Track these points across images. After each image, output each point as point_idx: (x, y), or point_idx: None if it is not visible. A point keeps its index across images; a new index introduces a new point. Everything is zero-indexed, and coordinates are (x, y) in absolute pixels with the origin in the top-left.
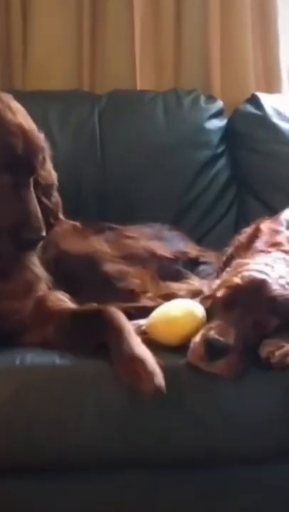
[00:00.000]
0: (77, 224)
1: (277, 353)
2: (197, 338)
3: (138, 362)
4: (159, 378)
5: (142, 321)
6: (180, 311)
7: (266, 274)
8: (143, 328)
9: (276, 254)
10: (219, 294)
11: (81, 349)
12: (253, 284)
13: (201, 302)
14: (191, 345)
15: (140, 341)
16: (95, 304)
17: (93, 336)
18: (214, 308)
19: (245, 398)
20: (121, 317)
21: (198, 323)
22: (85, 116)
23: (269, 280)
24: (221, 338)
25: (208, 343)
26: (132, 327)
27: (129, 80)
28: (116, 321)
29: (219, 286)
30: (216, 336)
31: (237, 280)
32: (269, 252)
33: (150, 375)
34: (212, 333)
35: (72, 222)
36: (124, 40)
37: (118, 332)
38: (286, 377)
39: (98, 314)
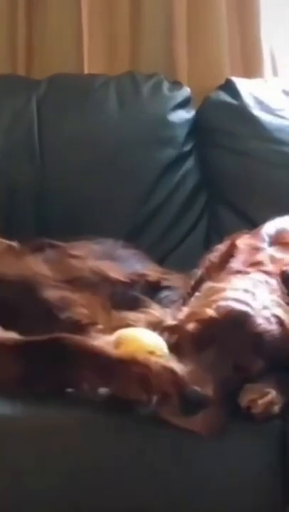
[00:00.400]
0: (13, 244)
1: (261, 402)
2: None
3: (135, 364)
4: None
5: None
6: (146, 341)
7: (247, 304)
8: None
9: (256, 276)
10: (189, 328)
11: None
12: (232, 317)
13: (163, 335)
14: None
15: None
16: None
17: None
18: (182, 344)
19: (221, 457)
20: (77, 337)
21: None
22: (20, 107)
23: (251, 312)
24: (198, 389)
25: (183, 395)
26: None
27: (75, 61)
28: (75, 341)
29: (188, 318)
30: (193, 387)
31: (211, 312)
32: (247, 272)
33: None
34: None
35: (5, 241)
36: (68, 13)
37: (86, 348)
38: (271, 430)
39: (51, 344)
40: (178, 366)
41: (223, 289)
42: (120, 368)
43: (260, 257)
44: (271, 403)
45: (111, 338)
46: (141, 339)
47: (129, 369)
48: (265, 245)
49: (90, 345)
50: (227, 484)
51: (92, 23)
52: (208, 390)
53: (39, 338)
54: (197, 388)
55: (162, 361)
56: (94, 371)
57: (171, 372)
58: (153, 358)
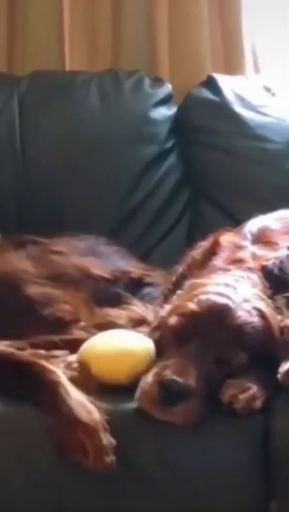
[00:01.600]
0: None
1: (242, 397)
2: (149, 379)
3: (83, 430)
4: (109, 454)
5: (71, 357)
6: (132, 341)
7: (228, 297)
8: (75, 365)
9: (238, 272)
10: (171, 322)
11: None
12: (213, 310)
13: (149, 334)
14: (142, 386)
15: (80, 395)
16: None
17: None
18: (165, 340)
19: (201, 454)
20: (52, 369)
21: (152, 359)
22: (2, 103)
23: (232, 305)
24: (180, 380)
25: (164, 385)
26: (64, 371)
27: (56, 58)
28: (47, 374)
29: (170, 313)
30: (174, 377)
31: (192, 306)
32: (228, 269)
33: (99, 450)
34: (168, 373)
35: None
36: (49, 9)
37: (52, 389)
38: (253, 426)
39: (24, 366)
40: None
41: (205, 284)
42: (69, 425)
43: (242, 254)
44: (253, 398)
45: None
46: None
47: (76, 431)
48: (247, 243)
49: (52, 384)
50: (209, 480)
51: (74, 20)
52: (190, 381)
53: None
54: (178, 378)
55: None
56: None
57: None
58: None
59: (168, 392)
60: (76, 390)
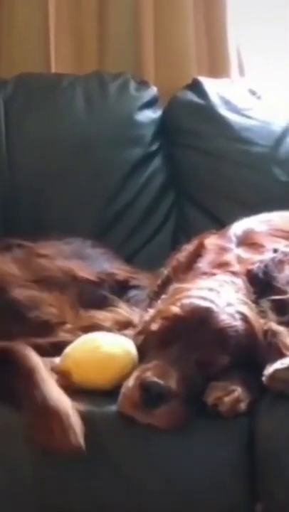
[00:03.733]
0: None
1: (227, 399)
2: (130, 382)
3: (51, 414)
4: (77, 435)
5: (57, 359)
6: (114, 345)
7: (211, 301)
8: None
9: (222, 277)
10: (154, 326)
11: None
12: (196, 313)
13: (133, 339)
14: (123, 390)
15: (56, 386)
16: None
17: None
18: (148, 344)
19: (187, 456)
20: (32, 356)
21: (134, 363)
22: None
23: (215, 309)
24: (161, 381)
25: (144, 387)
26: (46, 367)
27: (42, 61)
28: (26, 361)
29: (153, 318)
30: (155, 379)
31: (175, 309)
32: (214, 274)
33: (65, 430)
34: (149, 375)
35: None
36: (35, 12)
37: (28, 375)
38: (238, 428)
39: (3, 353)
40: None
41: (188, 289)
42: (41, 413)
43: (227, 257)
44: (237, 400)
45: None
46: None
47: (48, 418)
48: (232, 246)
49: (32, 371)
50: (195, 482)
51: (59, 23)
52: (170, 383)
53: None
54: (159, 380)
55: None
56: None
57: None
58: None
59: (149, 395)
60: (52, 379)
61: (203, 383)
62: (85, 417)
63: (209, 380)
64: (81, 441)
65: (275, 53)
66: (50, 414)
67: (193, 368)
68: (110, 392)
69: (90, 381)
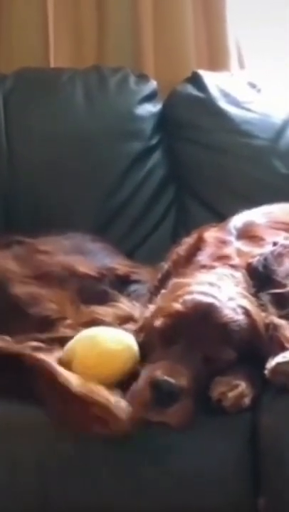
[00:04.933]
0: None
1: (231, 395)
2: (140, 382)
3: (95, 405)
4: (124, 413)
5: (59, 354)
6: (115, 340)
7: (213, 296)
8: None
9: (221, 271)
10: (156, 324)
11: None
12: (198, 309)
13: (134, 335)
14: (133, 391)
15: (80, 380)
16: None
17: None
18: (151, 341)
19: (189, 451)
20: (44, 359)
21: (136, 358)
22: None
23: (217, 304)
24: (172, 380)
25: (156, 386)
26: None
27: (41, 55)
28: (41, 363)
29: (154, 315)
30: (166, 378)
31: (177, 306)
32: (213, 267)
33: (113, 414)
34: (160, 374)
35: None
36: (34, 7)
37: (49, 374)
38: (241, 423)
39: (18, 359)
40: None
41: (189, 284)
42: (80, 406)
43: (227, 250)
44: (241, 395)
45: (61, 353)
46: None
47: (88, 409)
48: (232, 239)
49: (54, 375)
50: (197, 477)
51: (58, 17)
52: (181, 381)
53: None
54: (170, 379)
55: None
56: (55, 401)
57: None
58: (113, 397)
59: (160, 394)
60: (73, 376)
61: (208, 379)
62: None
63: (213, 376)
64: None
65: (274, 46)
66: (93, 406)
67: (200, 364)
68: (111, 387)
69: (91, 377)
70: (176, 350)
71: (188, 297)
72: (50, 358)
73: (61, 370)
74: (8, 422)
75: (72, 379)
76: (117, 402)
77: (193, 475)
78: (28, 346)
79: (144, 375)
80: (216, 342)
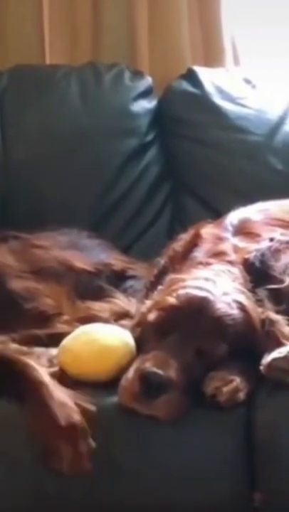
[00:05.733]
0: None
1: (225, 390)
2: (130, 374)
3: (60, 435)
4: (85, 460)
5: (54, 351)
6: (111, 337)
7: (207, 290)
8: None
9: (218, 267)
10: (151, 317)
11: None
12: (192, 303)
13: (130, 330)
14: (123, 382)
15: (63, 395)
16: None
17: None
18: (145, 335)
19: (185, 446)
20: (35, 368)
21: (133, 354)
22: None
23: (211, 298)
24: (160, 371)
25: (145, 377)
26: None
27: (36, 52)
28: (30, 373)
29: (150, 309)
30: (154, 369)
31: (171, 300)
32: (210, 263)
33: (75, 456)
34: (149, 366)
35: None
36: (29, 4)
37: (35, 389)
38: (236, 418)
39: (7, 365)
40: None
41: (184, 279)
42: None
43: (223, 246)
44: (236, 390)
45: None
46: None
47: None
48: (228, 235)
49: (35, 384)
50: (193, 473)
51: (53, 14)
52: (170, 373)
53: None
54: (159, 370)
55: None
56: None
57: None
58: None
59: (149, 385)
60: (59, 389)
61: (202, 373)
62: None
63: (208, 370)
64: (89, 466)
65: (269, 42)
66: (59, 435)
67: (192, 357)
68: (108, 384)
69: (87, 373)
70: (169, 343)
71: (182, 291)
72: (42, 361)
73: (48, 380)
74: (5, 420)
75: (55, 392)
76: (86, 443)
77: (188, 470)
78: (20, 351)
79: (135, 366)
80: (209, 336)
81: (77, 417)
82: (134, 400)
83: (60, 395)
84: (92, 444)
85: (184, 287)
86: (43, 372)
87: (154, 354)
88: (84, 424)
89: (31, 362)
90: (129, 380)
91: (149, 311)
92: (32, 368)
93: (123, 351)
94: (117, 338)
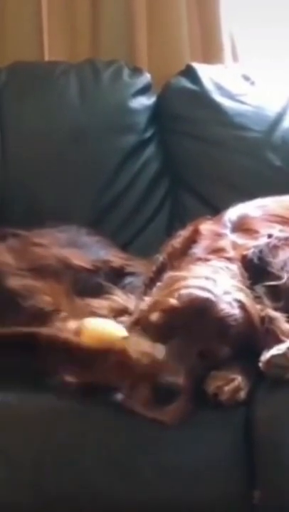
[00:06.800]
0: None
1: (227, 389)
2: (138, 381)
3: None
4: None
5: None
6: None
7: (209, 290)
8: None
9: (216, 263)
10: (153, 318)
11: None
12: (194, 304)
13: (128, 327)
14: (130, 387)
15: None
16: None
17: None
18: (147, 336)
19: (184, 444)
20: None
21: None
22: None
23: (213, 299)
24: (171, 379)
25: (156, 385)
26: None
27: (35, 49)
28: (57, 335)
29: (150, 308)
30: (166, 378)
31: (173, 301)
32: (208, 260)
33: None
34: (159, 373)
35: None
36: (28, 0)
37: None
38: (235, 416)
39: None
40: (156, 349)
41: (184, 278)
42: (98, 358)
43: (222, 243)
44: (238, 389)
45: (73, 325)
46: (104, 329)
47: (106, 358)
48: (227, 231)
49: (63, 339)
50: (193, 470)
51: (52, 10)
52: (179, 379)
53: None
54: (169, 378)
55: (141, 346)
56: (72, 364)
57: (151, 358)
58: (131, 344)
59: (160, 393)
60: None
61: (204, 373)
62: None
63: (209, 370)
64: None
65: (268, 38)
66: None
67: (196, 360)
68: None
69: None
70: (172, 346)
71: (184, 292)
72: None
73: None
74: (2, 415)
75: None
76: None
77: (189, 468)
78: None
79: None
80: (212, 337)
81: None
82: (144, 406)
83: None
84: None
85: (186, 287)
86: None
87: (163, 360)
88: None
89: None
90: (139, 386)
91: (150, 310)
92: (53, 332)
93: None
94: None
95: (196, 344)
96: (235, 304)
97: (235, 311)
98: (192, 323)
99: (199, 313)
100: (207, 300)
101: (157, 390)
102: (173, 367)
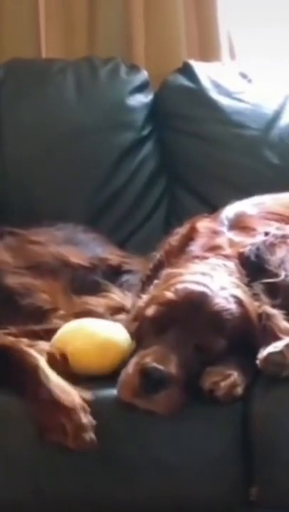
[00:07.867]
0: None
1: (223, 384)
2: (129, 368)
3: (61, 411)
4: (89, 431)
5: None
6: (111, 330)
7: (205, 285)
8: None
9: (214, 261)
10: (149, 312)
11: None
12: (190, 298)
13: (126, 325)
14: (122, 377)
15: (60, 380)
16: None
17: None
18: (143, 330)
19: (182, 441)
20: (32, 354)
21: (130, 348)
22: None
23: (209, 293)
24: (161, 367)
25: (145, 373)
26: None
27: (32, 46)
28: (27, 358)
29: (147, 304)
30: (155, 364)
31: (169, 295)
32: (205, 257)
33: (78, 429)
34: (149, 361)
35: None
36: None
37: (32, 373)
38: (232, 412)
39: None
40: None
41: (181, 274)
42: (50, 410)
43: (219, 240)
44: (234, 385)
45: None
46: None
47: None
48: (224, 229)
49: (31, 368)
50: (189, 467)
51: (49, 7)
52: (170, 368)
53: None
54: (159, 366)
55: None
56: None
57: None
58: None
59: (149, 380)
60: (55, 374)
61: (200, 368)
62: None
63: (205, 365)
64: (93, 437)
65: (265, 36)
66: (60, 412)
67: (191, 352)
68: (104, 378)
69: (90, 367)
70: (168, 338)
71: (180, 286)
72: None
73: (44, 365)
74: (2, 415)
75: (51, 376)
76: (86, 418)
77: (186, 465)
78: (21, 342)
79: (134, 361)
80: (208, 330)
81: (76, 396)
82: (133, 394)
83: (56, 378)
84: (92, 420)
85: (182, 282)
86: (39, 358)
87: (153, 349)
88: (83, 402)
89: (27, 348)
90: (129, 374)
91: (147, 305)
92: (28, 353)
93: (124, 344)
94: (116, 331)
95: (191, 337)
96: (231, 299)
97: (232, 306)
98: (188, 317)
99: (195, 306)
100: (203, 294)
101: (148, 377)
102: (164, 356)
